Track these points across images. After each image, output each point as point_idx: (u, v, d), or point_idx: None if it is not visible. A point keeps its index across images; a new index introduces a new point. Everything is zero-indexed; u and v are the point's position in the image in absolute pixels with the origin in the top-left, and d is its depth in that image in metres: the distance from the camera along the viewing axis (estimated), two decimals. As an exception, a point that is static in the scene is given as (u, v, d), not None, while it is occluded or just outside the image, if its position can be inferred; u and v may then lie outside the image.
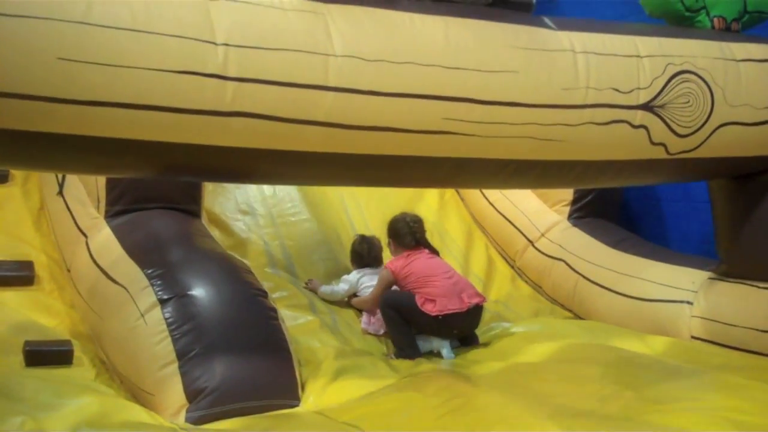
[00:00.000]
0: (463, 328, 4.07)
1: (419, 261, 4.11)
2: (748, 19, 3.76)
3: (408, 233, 4.21)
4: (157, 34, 2.44)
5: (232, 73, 2.54)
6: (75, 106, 2.37)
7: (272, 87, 2.61)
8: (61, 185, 4.16)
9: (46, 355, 3.35)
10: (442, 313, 3.91)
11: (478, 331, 4.16)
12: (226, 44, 2.53)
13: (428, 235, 4.38)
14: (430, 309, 3.92)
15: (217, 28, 2.53)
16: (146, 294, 3.26)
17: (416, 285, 4.02)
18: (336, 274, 4.61)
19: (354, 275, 4.44)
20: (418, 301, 3.96)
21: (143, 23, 2.42)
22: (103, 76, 2.37)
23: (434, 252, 4.29)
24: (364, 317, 4.31)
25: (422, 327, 3.99)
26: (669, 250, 4.72)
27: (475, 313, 4.05)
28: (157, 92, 2.45)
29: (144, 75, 2.42)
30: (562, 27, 3.21)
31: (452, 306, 3.94)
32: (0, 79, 2.27)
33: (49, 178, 4.32)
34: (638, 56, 3.27)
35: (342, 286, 4.42)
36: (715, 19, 3.64)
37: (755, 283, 3.80)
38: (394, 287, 4.15)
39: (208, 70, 2.51)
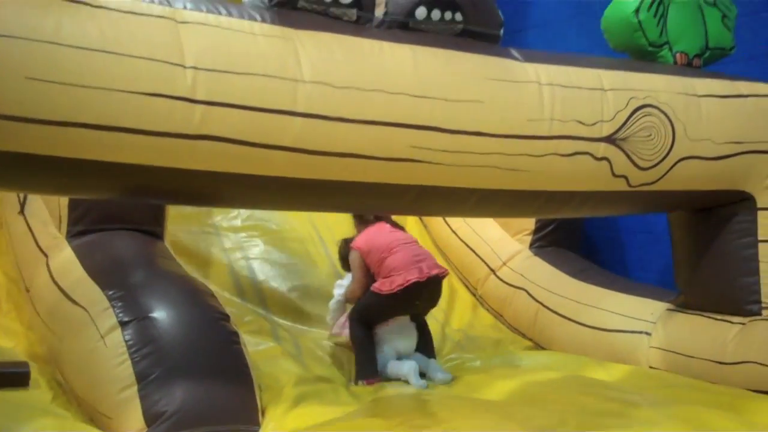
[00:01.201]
0: (423, 301, 4.06)
1: (381, 235, 4.11)
2: (709, 55, 3.84)
3: None
4: (127, 55, 2.43)
5: (200, 96, 2.54)
6: (42, 126, 2.36)
7: (240, 111, 2.62)
8: (22, 204, 4.11)
9: (1, 376, 3.28)
10: (402, 287, 3.89)
11: (439, 360, 4.16)
12: (195, 67, 2.54)
13: None
14: (389, 287, 3.91)
15: (186, 50, 2.53)
16: (107, 316, 3.22)
17: (378, 260, 4.01)
18: (308, 294, 4.58)
19: (347, 279, 4.41)
20: (378, 287, 3.95)
21: (112, 44, 2.42)
22: (71, 97, 2.36)
23: (397, 226, 4.29)
24: (336, 324, 4.28)
25: (387, 312, 3.99)
26: (628, 281, 4.77)
27: (434, 285, 4.03)
28: (125, 114, 2.45)
29: (112, 96, 2.42)
30: (528, 59, 3.26)
31: (410, 276, 3.92)
32: (-35, 97, 2.25)
33: (10, 196, 4.27)
34: (602, 89, 3.33)
35: (338, 292, 4.38)
36: (678, 55, 3.72)
37: (713, 315, 3.85)
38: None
39: (177, 93, 2.51)
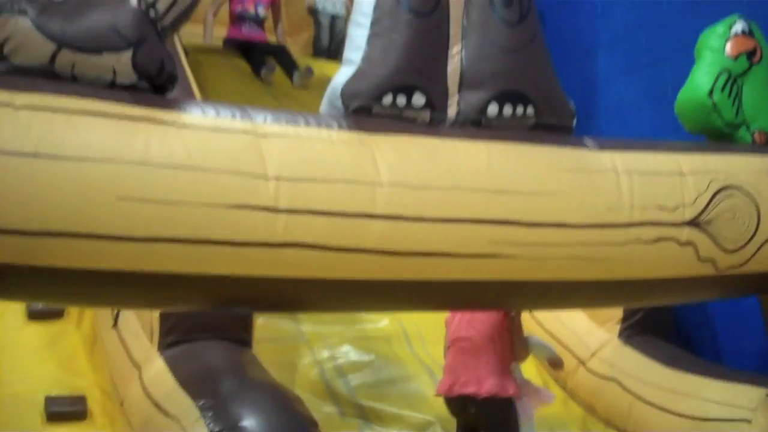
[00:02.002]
0: (468, 416, 3.74)
1: (456, 318, 3.91)
2: (788, 132, 3.79)
3: None
4: (212, 170, 2.52)
5: (283, 206, 2.61)
6: (133, 243, 2.44)
7: (322, 217, 2.67)
8: (116, 318, 4.23)
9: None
10: (439, 394, 3.70)
11: None
12: (278, 178, 2.61)
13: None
14: (438, 388, 3.73)
15: (268, 162, 2.61)
16: (198, 426, 3.25)
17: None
18: (395, 394, 4.53)
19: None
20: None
21: (198, 160, 2.51)
22: (160, 213, 2.45)
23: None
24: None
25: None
26: (723, 367, 4.63)
27: (472, 404, 3.67)
28: (212, 227, 2.52)
29: (199, 210, 2.50)
30: (603, 147, 3.26)
31: (442, 387, 3.74)
32: (61, 219, 2.34)
33: (104, 312, 4.39)
34: (681, 173, 3.30)
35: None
36: (756, 134, 3.67)
37: (816, 400, 3.70)
38: None
39: (261, 203, 2.58)
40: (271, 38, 7.63)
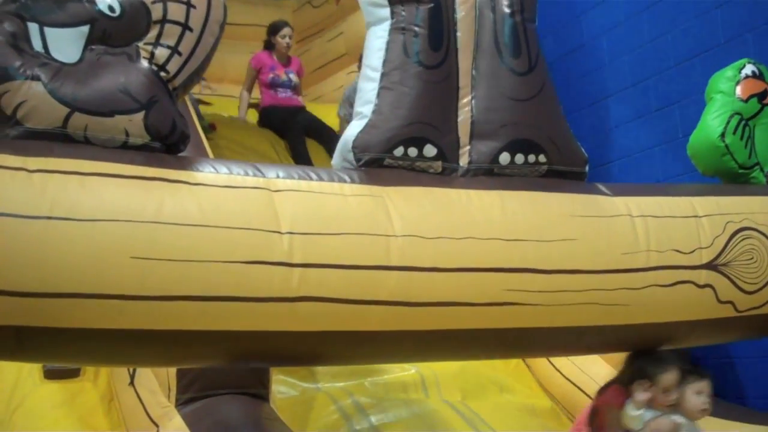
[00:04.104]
0: None
1: None
2: (801, 172, 3.78)
3: None
4: (225, 227, 2.52)
5: (297, 260, 2.60)
6: (147, 302, 2.44)
7: (337, 270, 2.66)
8: (132, 375, 4.21)
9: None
10: None
11: None
12: (291, 232, 2.61)
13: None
14: None
15: (281, 217, 2.61)
16: (217, 484, 3.23)
17: None
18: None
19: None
20: None
21: (211, 218, 2.51)
22: (174, 272, 2.45)
23: None
24: None
25: None
26: (748, 409, 4.56)
27: None
28: (226, 283, 2.52)
29: (214, 267, 2.49)
30: (617, 193, 3.26)
31: None
32: (76, 280, 2.35)
33: (120, 369, 4.38)
34: (696, 216, 3.29)
35: None
36: (770, 175, 3.67)
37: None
38: None
39: (275, 259, 2.58)
40: None
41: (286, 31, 7.26)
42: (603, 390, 3.48)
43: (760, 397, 4.96)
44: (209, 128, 6.60)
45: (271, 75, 7.18)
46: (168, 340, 2.57)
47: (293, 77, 7.29)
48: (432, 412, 4.92)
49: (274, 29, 7.29)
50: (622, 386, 3.39)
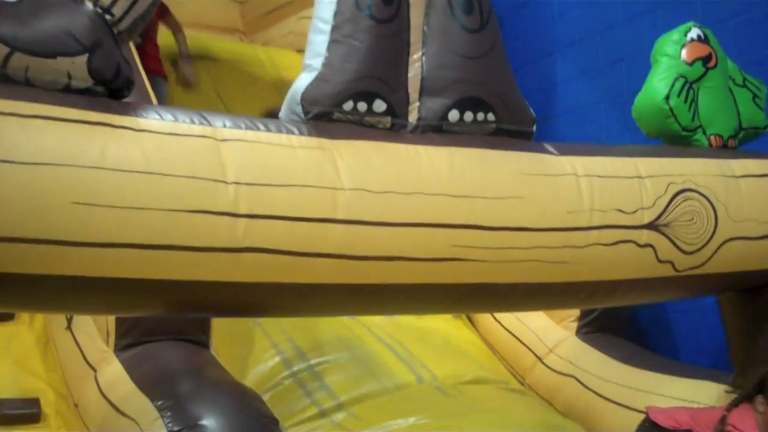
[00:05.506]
0: None
1: None
2: (743, 135, 3.84)
3: None
4: (170, 175, 2.48)
5: (243, 210, 2.58)
6: (88, 249, 2.39)
7: (282, 222, 2.64)
8: (69, 320, 4.16)
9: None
10: None
11: None
12: (237, 182, 2.58)
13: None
14: None
15: (228, 167, 2.58)
16: (156, 426, 3.22)
17: None
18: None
19: None
20: None
21: (156, 165, 2.47)
22: (116, 219, 2.40)
23: None
24: None
25: None
26: (681, 364, 4.68)
27: None
28: (169, 232, 2.48)
29: (157, 215, 2.46)
30: (563, 152, 3.28)
31: None
32: (14, 224, 2.29)
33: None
34: (640, 177, 3.33)
35: None
36: (712, 137, 3.72)
37: (771, 396, 3.74)
38: None
39: (220, 208, 2.55)
40: None
41: None
42: (734, 406, 3.32)
43: (692, 351, 5.11)
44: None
45: None
46: (108, 288, 2.52)
47: None
48: (371, 354, 4.98)
49: None
50: (749, 403, 3.27)
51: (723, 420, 3.27)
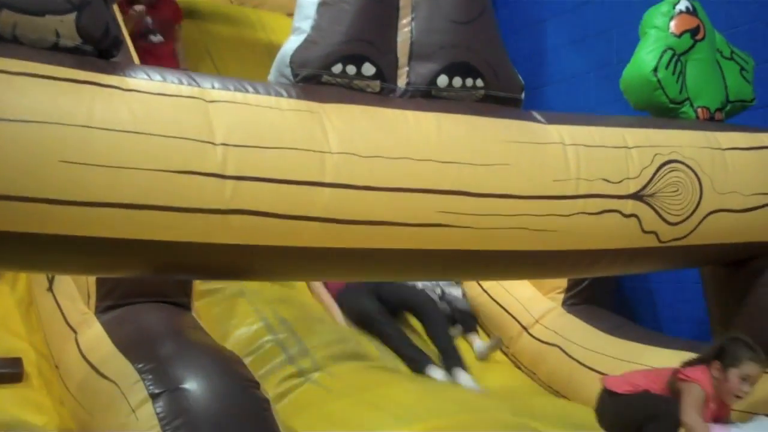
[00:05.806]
0: None
1: None
2: (730, 108, 3.86)
3: None
4: (158, 135, 2.47)
5: (230, 172, 2.57)
6: (76, 208, 2.39)
7: (270, 184, 2.64)
8: (50, 281, 4.14)
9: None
10: None
11: None
12: (225, 144, 2.57)
13: None
14: None
15: (216, 128, 2.57)
16: (137, 389, 3.19)
17: None
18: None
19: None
20: None
21: (144, 125, 2.46)
22: (104, 178, 2.40)
23: None
24: None
25: None
26: (664, 335, 4.73)
27: None
28: (157, 192, 2.48)
29: (145, 175, 2.45)
30: (551, 121, 3.28)
31: None
32: (1, 182, 2.28)
33: (39, 275, 4.30)
34: (626, 147, 3.34)
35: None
36: (699, 110, 3.73)
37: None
38: None
39: (208, 170, 2.54)
40: None
41: None
42: (688, 365, 3.45)
43: (673, 321, 5.15)
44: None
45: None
46: (95, 247, 2.52)
47: None
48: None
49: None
50: (706, 366, 3.39)
51: (675, 372, 3.42)
